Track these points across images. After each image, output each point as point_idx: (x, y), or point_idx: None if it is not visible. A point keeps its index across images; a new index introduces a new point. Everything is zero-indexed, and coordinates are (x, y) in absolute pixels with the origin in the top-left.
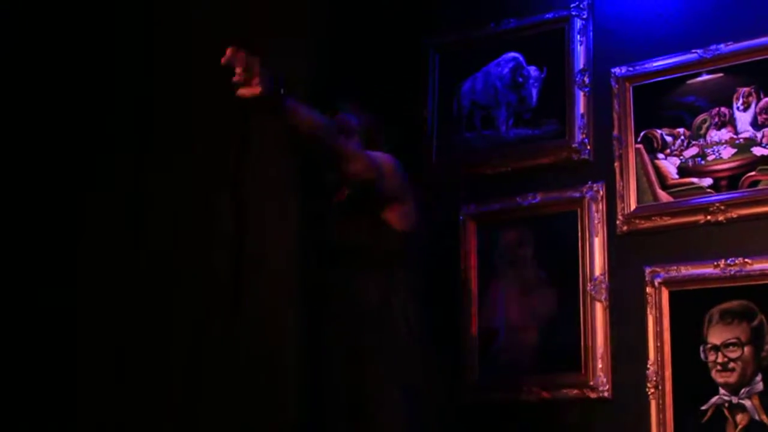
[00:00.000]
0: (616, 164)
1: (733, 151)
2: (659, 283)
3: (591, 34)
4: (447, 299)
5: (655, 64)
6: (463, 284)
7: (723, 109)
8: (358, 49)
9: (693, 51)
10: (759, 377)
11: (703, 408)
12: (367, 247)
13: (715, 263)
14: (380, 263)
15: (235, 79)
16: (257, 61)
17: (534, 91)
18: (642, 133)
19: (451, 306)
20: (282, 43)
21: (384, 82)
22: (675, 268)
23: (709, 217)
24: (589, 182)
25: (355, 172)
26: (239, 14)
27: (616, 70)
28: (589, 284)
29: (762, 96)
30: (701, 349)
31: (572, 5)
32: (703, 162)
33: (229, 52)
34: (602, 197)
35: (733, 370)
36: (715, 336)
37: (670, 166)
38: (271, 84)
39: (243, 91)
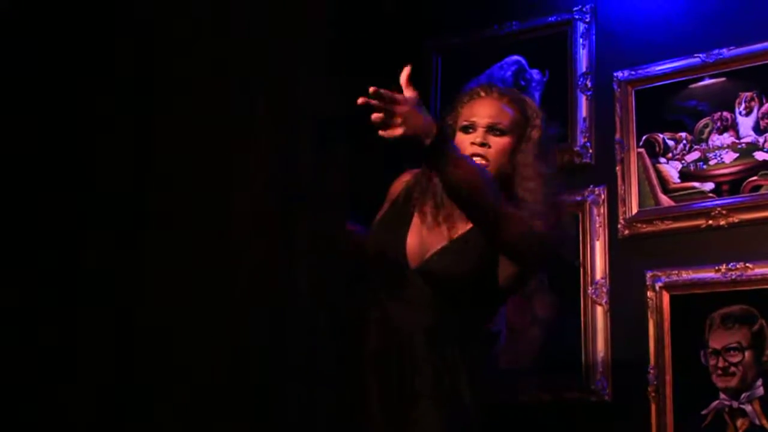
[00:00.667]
0: (618, 168)
1: (735, 155)
2: (660, 287)
3: (594, 37)
4: None
5: (657, 68)
6: None
7: (725, 113)
8: (359, 52)
9: (695, 55)
10: (759, 382)
11: (704, 412)
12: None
13: (717, 268)
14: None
15: (374, 118)
16: (405, 99)
17: (536, 95)
18: (644, 137)
19: None
20: (281, 44)
21: (385, 85)
22: (676, 272)
23: (710, 222)
24: (591, 186)
25: (511, 240)
26: (239, 18)
27: (619, 74)
28: (590, 288)
29: (764, 101)
30: (702, 353)
31: (575, 9)
32: (704, 166)
33: (371, 90)
34: (604, 201)
35: (733, 374)
36: (716, 340)
37: (671, 170)
38: (424, 127)
39: (382, 133)
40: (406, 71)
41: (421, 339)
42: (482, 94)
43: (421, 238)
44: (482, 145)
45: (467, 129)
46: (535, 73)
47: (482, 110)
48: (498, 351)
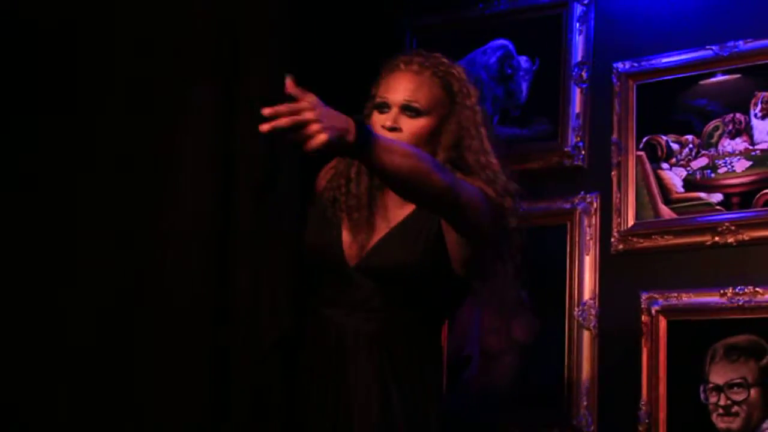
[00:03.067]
0: (614, 173)
1: (748, 164)
2: (656, 311)
3: (592, 22)
4: None
5: (663, 60)
6: None
7: (738, 115)
8: (327, 30)
9: (707, 47)
10: (766, 424)
11: None
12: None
13: (722, 291)
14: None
15: (281, 123)
16: (309, 102)
17: (524, 85)
18: (645, 139)
19: None
20: (245, 22)
21: (355, 68)
22: (675, 294)
23: (717, 239)
24: (582, 192)
25: (473, 222)
26: None
27: (619, 65)
28: (576, 309)
29: None
30: (701, 389)
31: None
32: (713, 175)
33: (267, 111)
34: (596, 210)
35: (737, 414)
36: (718, 375)
37: (675, 177)
38: (341, 122)
39: (309, 146)
40: (289, 81)
41: (364, 349)
42: (401, 66)
43: (356, 234)
44: (392, 129)
45: (381, 107)
46: (524, 61)
47: (398, 85)
48: (468, 378)
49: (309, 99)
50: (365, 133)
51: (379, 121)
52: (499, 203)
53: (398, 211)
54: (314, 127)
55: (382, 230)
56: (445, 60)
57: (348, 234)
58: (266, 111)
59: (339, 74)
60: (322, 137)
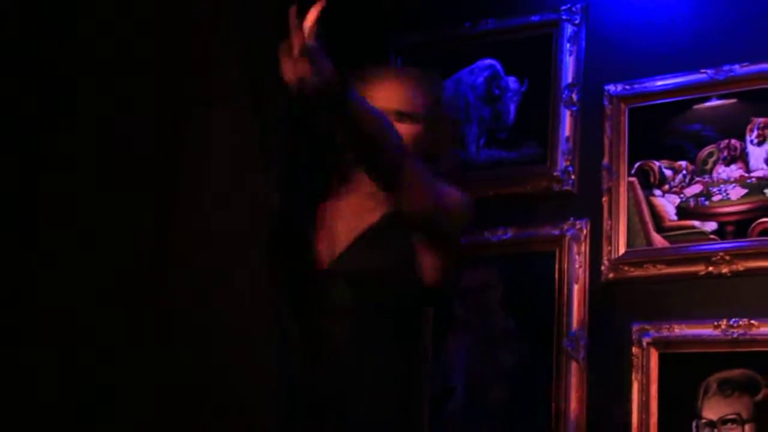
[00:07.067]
0: (605, 199)
1: (744, 191)
2: (648, 343)
3: (583, 43)
4: None
5: (656, 83)
6: None
7: (734, 141)
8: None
9: (702, 71)
10: None
11: None
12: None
13: (716, 323)
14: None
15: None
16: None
17: (512, 107)
18: (637, 164)
19: None
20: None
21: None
22: (667, 326)
23: (710, 269)
24: (572, 218)
25: (416, 208)
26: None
27: (611, 88)
28: (564, 339)
29: None
30: (694, 424)
31: (563, 8)
32: (707, 203)
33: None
34: (586, 237)
35: None
36: (711, 410)
37: (668, 204)
38: (329, 68)
39: (292, 72)
40: (316, 8)
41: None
42: (383, 73)
43: (329, 238)
44: None
45: None
46: (512, 81)
47: (387, 93)
48: (452, 409)
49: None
50: (347, 82)
51: None
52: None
53: (373, 212)
54: (305, 60)
55: (354, 231)
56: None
57: (322, 237)
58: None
59: None
60: (305, 70)
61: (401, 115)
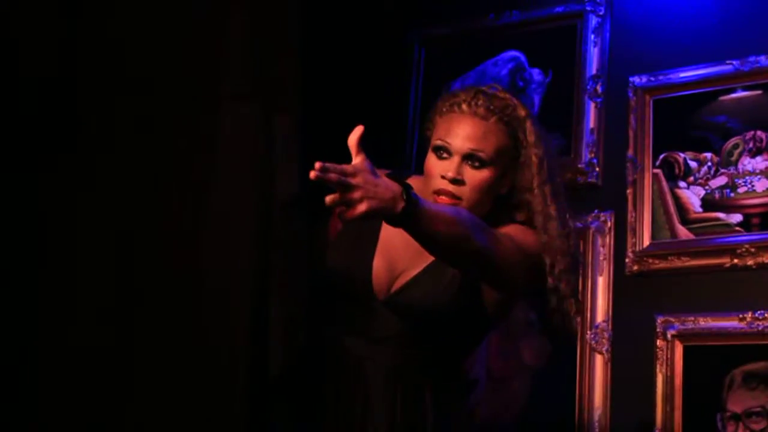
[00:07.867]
0: (629, 191)
1: None
2: (672, 336)
3: (608, 34)
4: None
5: (681, 74)
6: None
7: (759, 132)
8: (335, 42)
9: (728, 62)
10: None
11: None
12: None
13: (741, 316)
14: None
15: (328, 201)
16: (355, 168)
17: (536, 98)
18: (661, 156)
19: None
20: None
21: (362, 80)
22: (692, 318)
23: (736, 261)
24: (596, 211)
25: (503, 280)
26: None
27: (635, 79)
28: (588, 332)
29: None
30: (719, 417)
31: None
32: (732, 194)
33: (317, 165)
34: (610, 229)
35: None
36: (736, 403)
37: (692, 196)
38: (388, 192)
39: (346, 215)
40: (357, 132)
41: (381, 382)
42: (464, 107)
43: (390, 262)
44: (454, 181)
45: (440, 151)
46: (536, 73)
47: (462, 131)
48: (474, 403)
49: (358, 161)
50: (412, 203)
51: (438, 168)
52: (538, 263)
53: None
54: (356, 194)
55: (418, 264)
56: (510, 102)
57: (381, 259)
58: (317, 164)
59: (347, 85)
60: (361, 207)
61: (471, 157)
